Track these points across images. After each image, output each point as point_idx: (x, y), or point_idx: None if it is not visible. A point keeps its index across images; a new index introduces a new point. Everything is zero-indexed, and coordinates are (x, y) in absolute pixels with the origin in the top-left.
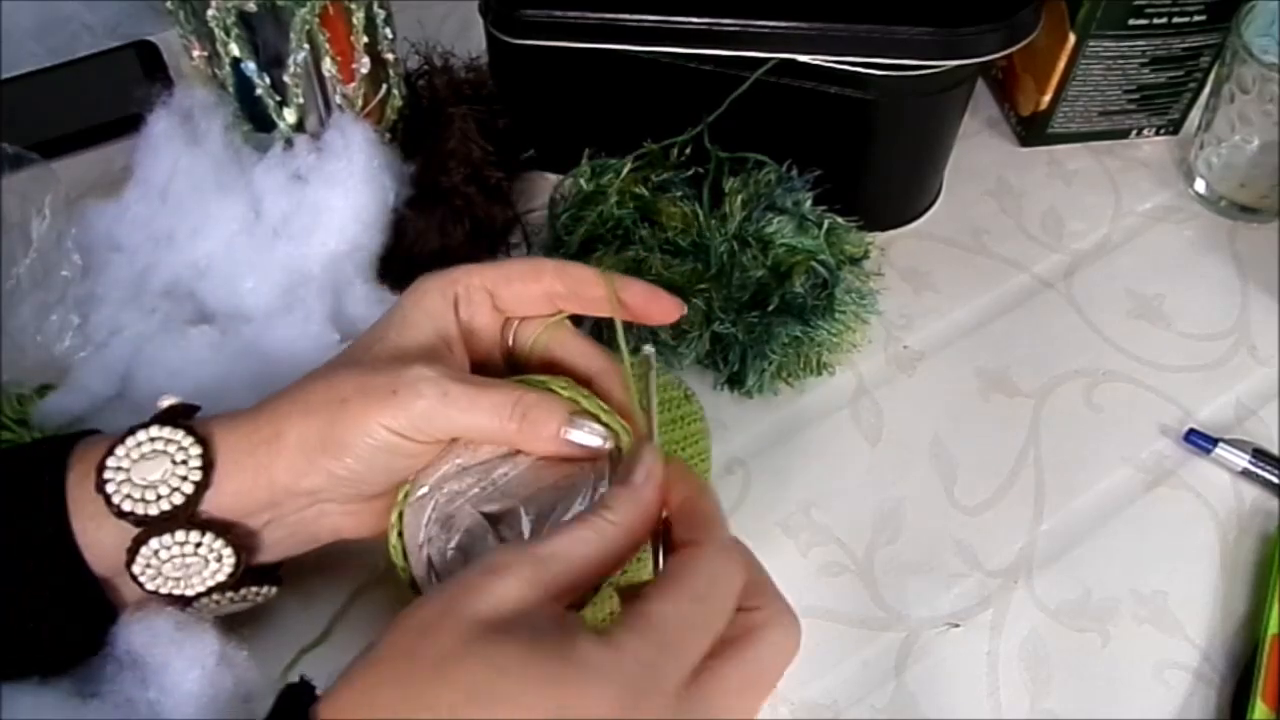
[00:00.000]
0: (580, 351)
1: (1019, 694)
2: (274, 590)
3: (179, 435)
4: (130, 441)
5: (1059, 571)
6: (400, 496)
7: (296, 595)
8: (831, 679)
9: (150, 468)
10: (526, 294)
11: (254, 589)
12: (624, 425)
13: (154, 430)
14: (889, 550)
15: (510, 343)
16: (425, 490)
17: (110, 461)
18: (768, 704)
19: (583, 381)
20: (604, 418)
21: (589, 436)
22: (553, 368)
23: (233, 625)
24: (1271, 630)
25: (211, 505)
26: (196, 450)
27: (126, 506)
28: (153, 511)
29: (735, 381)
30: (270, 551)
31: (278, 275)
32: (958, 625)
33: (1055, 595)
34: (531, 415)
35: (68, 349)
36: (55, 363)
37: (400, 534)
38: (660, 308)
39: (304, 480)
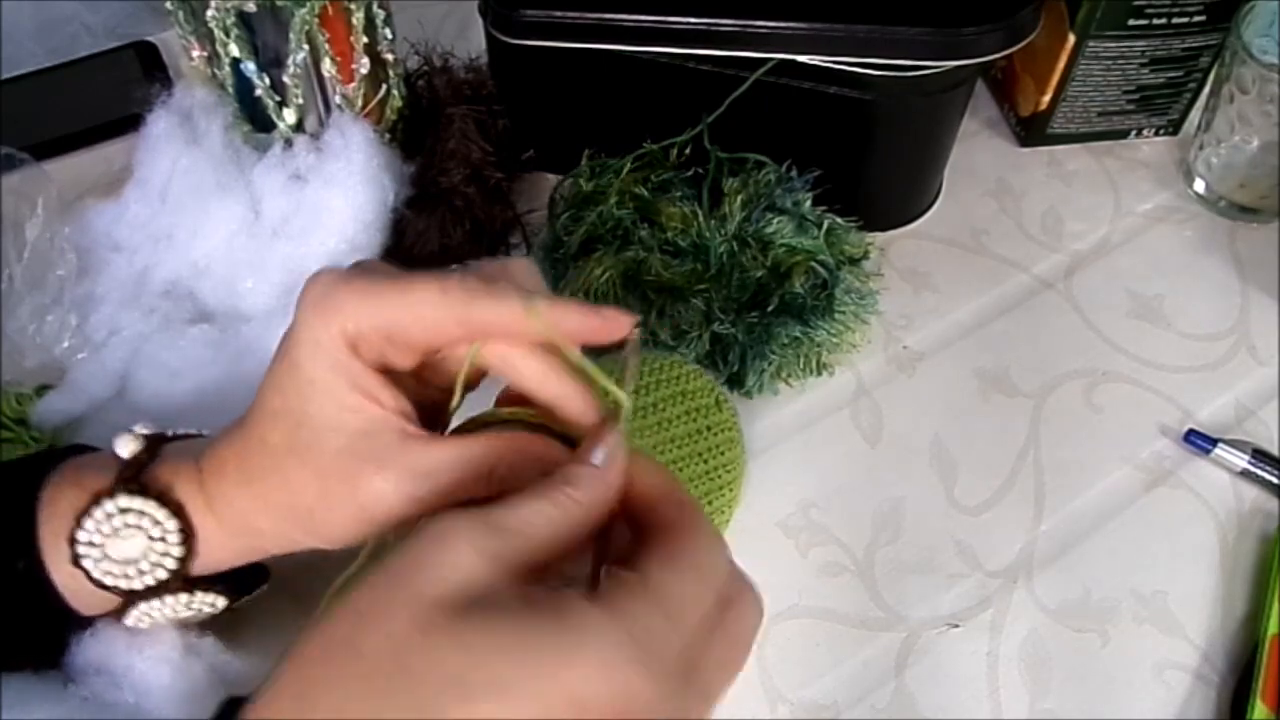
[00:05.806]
0: (532, 373)
1: (1019, 694)
2: (263, 587)
3: (150, 507)
4: (99, 514)
5: (1059, 571)
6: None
7: (290, 596)
8: (831, 679)
9: (127, 547)
10: (437, 337)
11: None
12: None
13: (122, 500)
14: (889, 550)
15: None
16: None
17: (81, 535)
18: (767, 704)
19: (541, 409)
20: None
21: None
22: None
23: (226, 626)
24: (1271, 630)
25: (199, 566)
26: (174, 524)
27: (109, 581)
28: (137, 585)
29: (735, 382)
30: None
31: (277, 275)
32: (958, 625)
33: (1055, 595)
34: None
35: (67, 349)
36: (55, 363)
37: None
38: (606, 327)
39: (292, 550)
